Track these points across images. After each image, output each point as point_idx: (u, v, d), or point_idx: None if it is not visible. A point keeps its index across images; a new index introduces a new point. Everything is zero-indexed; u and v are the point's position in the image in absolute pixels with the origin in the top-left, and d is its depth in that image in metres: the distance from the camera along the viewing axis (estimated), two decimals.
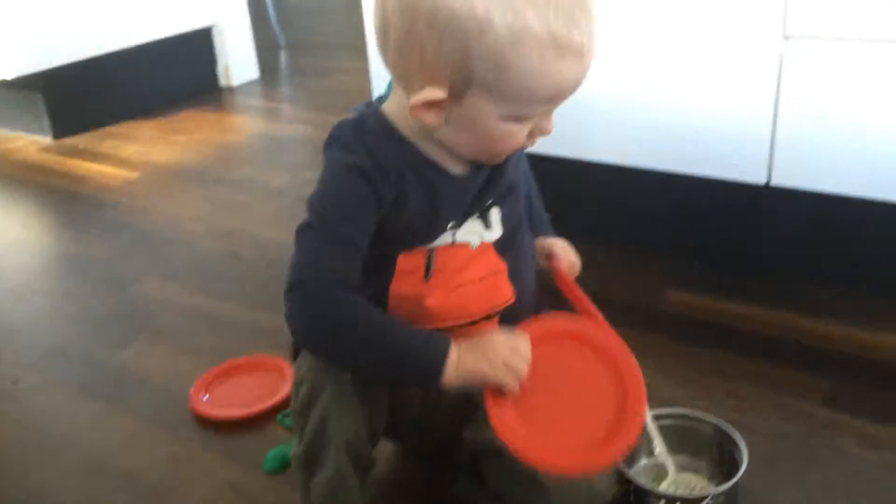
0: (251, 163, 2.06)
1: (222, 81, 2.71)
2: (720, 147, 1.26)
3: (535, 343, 0.79)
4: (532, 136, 0.78)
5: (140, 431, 1.12)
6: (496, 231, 0.85)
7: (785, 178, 1.23)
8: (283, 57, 3.12)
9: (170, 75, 2.56)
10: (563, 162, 1.40)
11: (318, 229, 0.78)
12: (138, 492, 1.01)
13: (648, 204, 1.43)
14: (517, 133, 0.76)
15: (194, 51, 2.63)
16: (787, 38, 1.15)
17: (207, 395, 1.17)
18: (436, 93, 0.71)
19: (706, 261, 1.39)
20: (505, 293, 0.87)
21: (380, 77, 1.53)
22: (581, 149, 1.39)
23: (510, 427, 0.76)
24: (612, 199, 1.46)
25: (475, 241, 0.84)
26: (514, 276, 0.87)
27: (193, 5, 2.56)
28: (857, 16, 1.10)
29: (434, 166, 0.79)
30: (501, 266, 0.86)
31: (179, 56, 2.58)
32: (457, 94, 0.72)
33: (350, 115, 0.82)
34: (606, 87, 1.31)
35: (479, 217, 0.84)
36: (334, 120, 0.81)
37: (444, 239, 0.82)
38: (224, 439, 1.09)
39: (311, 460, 0.82)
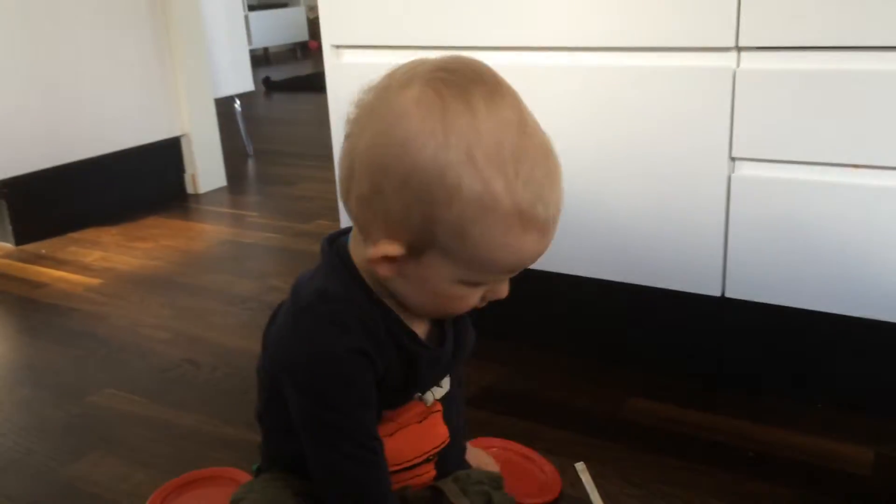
0: (216, 270, 2.07)
1: (189, 189, 2.74)
2: (676, 261, 1.31)
3: None
4: (484, 299, 0.77)
5: None
6: (446, 387, 0.88)
7: (739, 290, 1.28)
8: (250, 165, 3.18)
9: (136, 183, 2.59)
10: (532, 273, 1.44)
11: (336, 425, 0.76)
12: None
13: (610, 314, 1.46)
14: (470, 296, 0.75)
15: (162, 159, 2.67)
16: (733, 159, 1.22)
17: None
18: (394, 248, 0.70)
19: (667, 370, 1.42)
20: (441, 434, 0.88)
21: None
22: (544, 260, 1.43)
23: None
24: (575, 308, 1.49)
25: (430, 398, 0.86)
26: (448, 417, 0.89)
27: (162, 115, 2.61)
28: (799, 141, 1.17)
29: (415, 338, 0.79)
30: (437, 406, 0.88)
31: (146, 164, 2.61)
32: (415, 253, 0.71)
33: (319, 253, 0.81)
34: (566, 200, 1.36)
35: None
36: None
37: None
38: None
39: None
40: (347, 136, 0.73)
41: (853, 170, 1.15)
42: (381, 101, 0.70)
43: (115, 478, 1.23)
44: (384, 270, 0.73)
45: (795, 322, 1.28)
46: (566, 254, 1.41)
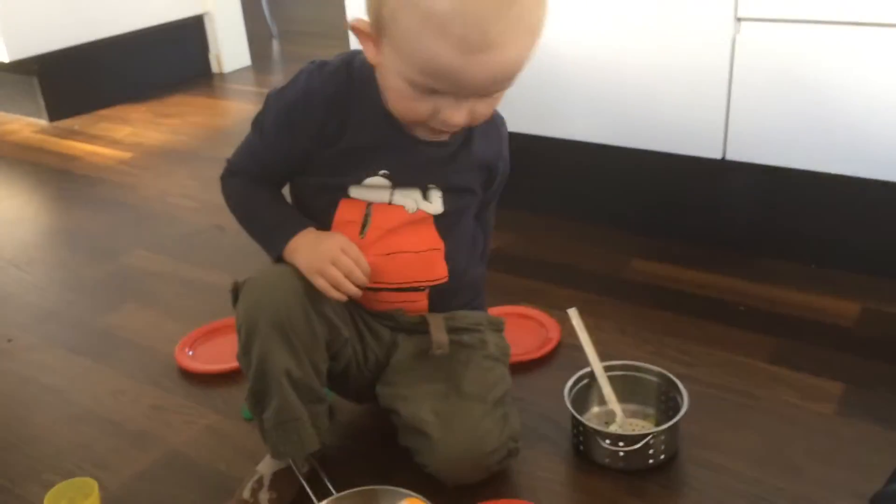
0: (238, 144, 2.13)
1: (214, 68, 2.78)
2: (679, 124, 1.33)
3: None
4: (442, 122, 0.79)
5: (126, 385, 1.19)
6: (436, 206, 0.91)
7: (739, 152, 1.31)
8: (274, 46, 3.18)
9: (163, 61, 2.63)
10: (534, 138, 1.47)
11: (252, 131, 0.94)
12: (124, 436, 1.08)
13: (613, 178, 1.50)
14: (419, 104, 0.77)
15: (187, 38, 2.69)
16: (738, 20, 1.22)
17: (191, 352, 1.24)
18: (363, 24, 0.78)
19: (668, 233, 1.46)
20: (439, 271, 0.94)
21: None
22: (550, 126, 1.47)
23: None
24: (581, 174, 1.52)
25: (411, 206, 0.90)
26: (450, 257, 0.94)
27: None
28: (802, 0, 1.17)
29: (390, 120, 0.85)
30: (439, 244, 0.93)
31: (172, 43, 2.64)
32: (377, 36, 0.77)
33: None
34: (570, 66, 1.38)
35: (419, 189, 0.90)
36: None
37: (381, 196, 0.89)
38: (205, 391, 1.16)
39: (259, 398, 0.89)
40: None
41: (856, 27, 1.15)
42: None
43: (148, 326, 1.34)
44: (367, 51, 0.80)
45: (793, 183, 1.31)
46: (569, 118, 1.43)
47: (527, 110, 1.45)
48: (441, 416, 0.91)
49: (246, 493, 0.93)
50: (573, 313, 1.05)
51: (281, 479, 0.94)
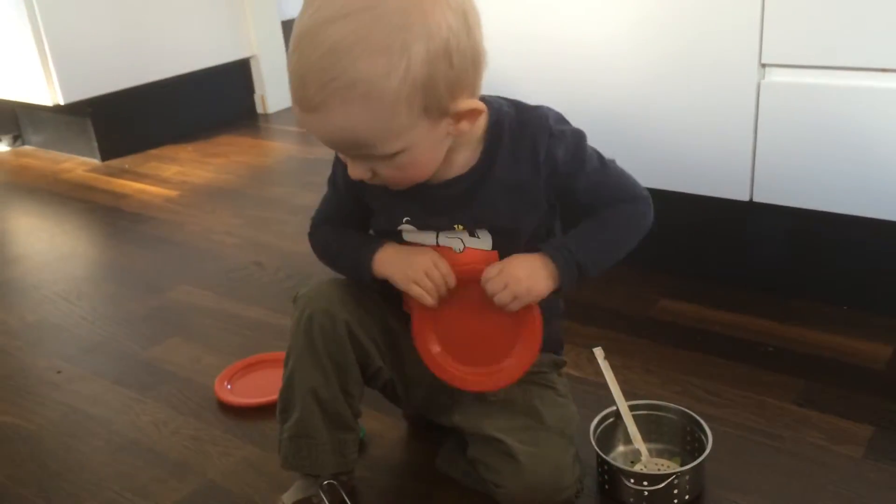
0: (281, 183, 2.20)
1: (259, 109, 2.87)
2: (706, 166, 1.35)
3: (462, 281, 0.91)
4: (375, 174, 0.82)
5: (168, 416, 1.24)
6: (485, 242, 0.92)
7: (766, 195, 1.32)
8: None
9: (209, 103, 2.73)
10: None
11: (328, 187, 0.99)
12: (164, 466, 1.12)
13: None
14: (350, 165, 0.82)
15: (233, 80, 2.80)
16: (763, 65, 1.25)
17: (230, 385, 1.28)
18: None
19: (696, 272, 1.48)
20: None
21: None
22: None
23: (426, 346, 0.93)
24: None
25: (458, 245, 0.93)
26: None
27: (232, 38, 2.73)
28: (829, 46, 1.19)
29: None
30: (493, 256, 0.92)
31: (219, 85, 2.75)
32: None
33: None
34: (598, 106, 1.42)
35: (464, 229, 0.91)
36: None
37: (429, 239, 0.93)
38: (244, 424, 1.20)
39: (284, 407, 0.95)
40: None
41: (882, 73, 1.16)
42: None
43: (189, 359, 1.39)
44: None
45: (822, 225, 1.32)
46: None
47: None
48: (528, 444, 0.94)
49: None
50: (599, 352, 1.07)
51: None
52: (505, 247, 0.92)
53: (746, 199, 1.33)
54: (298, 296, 0.96)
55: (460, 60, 0.75)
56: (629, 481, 0.97)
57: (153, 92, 2.55)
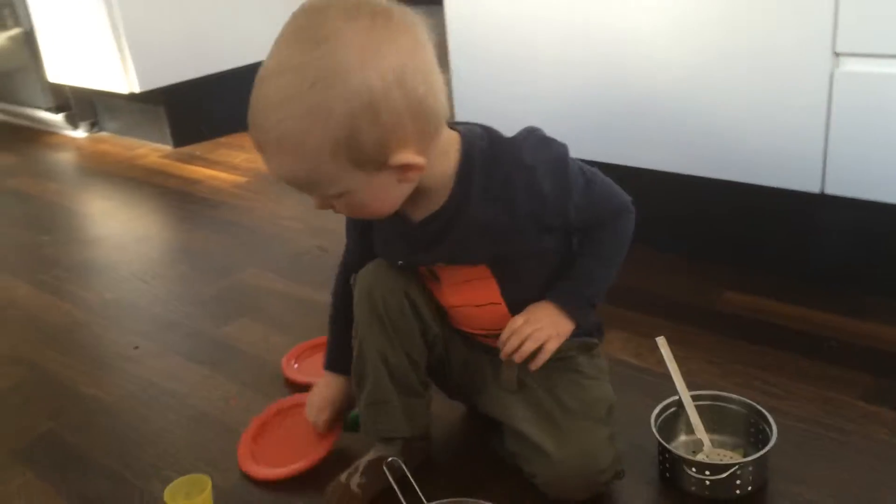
0: None
1: None
2: (775, 157, 1.33)
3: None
4: (328, 205, 0.86)
5: (237, 392, 1.29)
6: (481, 268, 0.96)
7: (839, 186, 1.30)
8: None
9: None
10: (628, 170, 1.51)
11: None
12: (234, 439, 1.16)
13: (710, 211, 1.51)
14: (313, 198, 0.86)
15: None
16: (837, 54, 1.23)
17: (297, 364, 1.32)
18: None
19: (762, 265, 1.46)
20: (505, 321, 0.97)
21: (462, 98, 1.68)
22: (643, 157, 1.49)
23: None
24: (675, 205, 1.54)
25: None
26: (515, 309, 0.97)
27: None
28: None
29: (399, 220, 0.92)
30: (498, 300, 0.97)
31: None
32: None
33: None
34: (663, 96, 1.41)
35: (445, 266, 0.96)
36: None
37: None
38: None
39: (359, 379, 1.02)
40: None
41: None
42: None
43: (258, 339, 1.44)
44: None
45: (892, 219, 1.29)
46: (667, 152, 1.46)
47: (620, 141, 1.49)
48: (551, 432, 0.95)
49: (343, 478, 1.02)
50: (661, 342, 1.08)
51: (373, 468, 1.01)
52: (503, 272, 0.96)
53: (817, 191, 1.31)
54: (357, 276, 1.01)
55: (389, 118, 0.77)
56: (691, 470, 0.97)
57: (224, 81, 2.62)
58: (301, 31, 0.78)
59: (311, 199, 0.86)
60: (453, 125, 0.92)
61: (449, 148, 0.89)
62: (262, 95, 0.78)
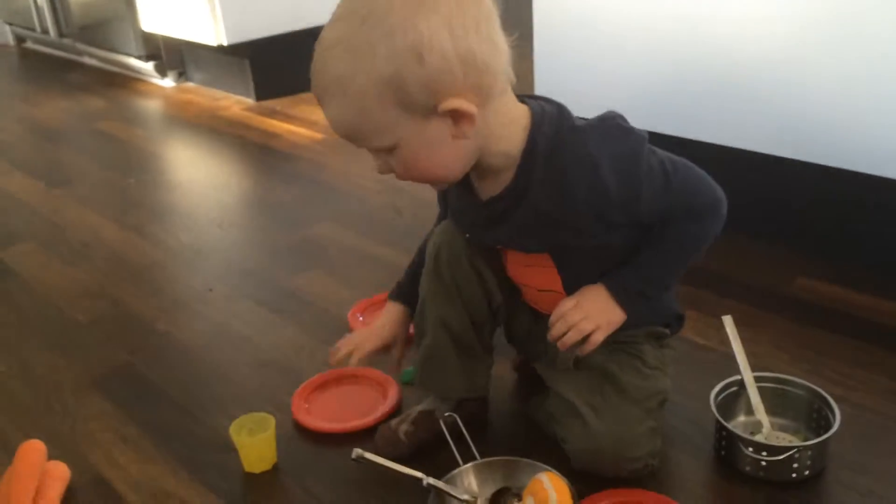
0: None
1: None
2: (869, 143, 1.29)
3: None
4: (389, 167, 0.86)
5: (305, 340, 1.33)
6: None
7: None
8: None
9: None
10: (712, 147, 1.47)
11: None
12: (299, 385, 1.20)
13: (792, 193, 1.47)
14: (373, 160, 0.87)
15: None
16: None
17: (362, 317, 1.36)
18: None
19: (840, 253, 1.42)
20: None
21: (543, 66, 1.66)
22: (730, 136, 1.46)
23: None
24: (755, 186, 1.50)
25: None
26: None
27: None
28: None
29: (462, 181, 0.91)
30: (558, 287, 0.96)
31: None
32: None
33: None
34: (755, 73, 1.37)
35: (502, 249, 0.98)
36: None
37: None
38: (371, 354, 1.27)
39: (418, 334, 1.05)
40: None
41: None
42: None
43: (327, 290, 1.47)
44: None
45: None
46: (753, 131, 1.42)
47: (705, 119, 1.46)
48: (597, 408, 0.95)
49: (393, 424, 1.05)
50: (728, 321, 1.06)
51: (423, 418, 1.05)
52: (564, 262, 0.95)
53: None
54: (429, 235, 1.05)
55: (435, 60, 0.76)
56: (747, 449, 0.97)
57: (308, 37, 2.60)
58: None
59: (372, 161, 0.87)
60: (525, 98, 0.90)
61: (516, 122, 0.87)
62: (318, 44, 0.81)
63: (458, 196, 0.96)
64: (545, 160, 0.86)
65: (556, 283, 0.96)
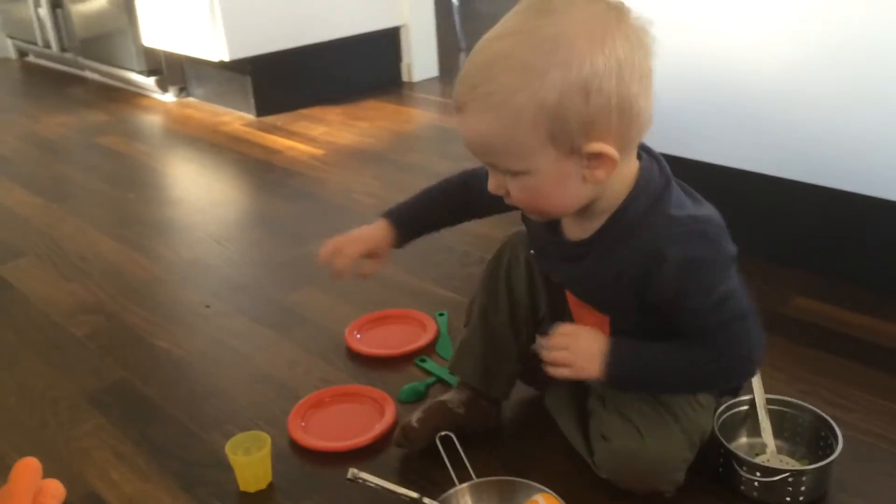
0: (420, 150, 2.27)
1: (404, 77, 2.95)
2: (866, 162, 1.29)
3: None
4: (505, 194, 0.85)
5: (301, 357, 1.32)
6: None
7: None
8: (462, 59, 3.32)
9: (359, 68, 2.83)
10: (706, 166, 1.48)
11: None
12: (295, 401, 1.20)
13: (788, 213, 1.47)
14: (489, 176, 0.85)
15: (382, 47, 2.88)
16: None
17: (359, 335, 1.35)
18: None
19: (838, 273, 1.42)
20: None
21: None
22: (724, 154, 1.46)
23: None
24: (753, 205, 1.51)
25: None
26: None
27: (384, 7, 2.81)
28: None
29: (546, 223, 0.93)
30: (606, 329, 0.94)
31: (369, 51, 2.84)
32: None
33: None
34: (748, 91, 1.38)
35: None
36: None
37: None
38: (367, 371, 1.27)
39: (466, 320, 1.12)
40: None
41: None
42: None
43: (324, 307, 1.47)
44: None
45: None
46: (745, 148, 1.43)
47: (704, 138, 1.47)
48: (652, 426, 0.94)
49: (410, 418, 1.06)
50: None
51: (436, 406, 1.07)
52: (612, 318, 0.94)
53: None
54: (506, 239, 1.09)
55: (599, 101, 0.76)
56: (741, 468, 0.96)
57: (308, 54, 2.67)
58: (533, 3, 0.79)
59: (489, 177, 0.85)
60: (640, 152, 0.88)
61: (627, 179, 0.86)
62: (480, 54, 0.79)
63: (541, 224, 0.94)
64: (626, 230, 0.86)
65: (605, 327, 0.95)
